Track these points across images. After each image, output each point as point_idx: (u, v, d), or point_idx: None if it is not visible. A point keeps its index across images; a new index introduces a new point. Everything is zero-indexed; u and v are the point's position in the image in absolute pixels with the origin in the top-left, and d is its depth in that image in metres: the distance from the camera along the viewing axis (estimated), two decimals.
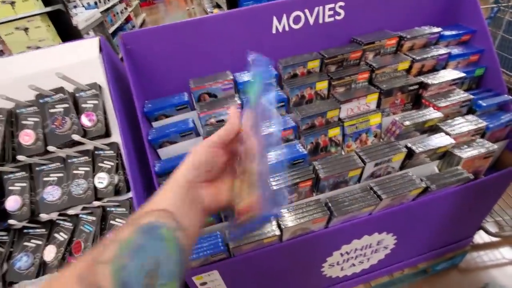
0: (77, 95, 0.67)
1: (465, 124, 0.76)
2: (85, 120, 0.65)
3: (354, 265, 0.91)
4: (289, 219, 0.66)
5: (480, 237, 1.23)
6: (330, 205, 0.68)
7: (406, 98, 0.81)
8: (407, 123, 0.73)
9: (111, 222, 0.67)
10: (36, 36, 2.21)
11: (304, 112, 0.74)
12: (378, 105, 0.80)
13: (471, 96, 0.79)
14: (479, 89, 0.89)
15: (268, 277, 0.81)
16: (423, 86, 0.79)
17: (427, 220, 0.84)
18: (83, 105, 0.67)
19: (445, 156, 0.77)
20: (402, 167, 0.76)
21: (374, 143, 0.79)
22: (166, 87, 0.80)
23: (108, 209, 0.69)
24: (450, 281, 1.12)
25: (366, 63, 0.81)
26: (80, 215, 0.69)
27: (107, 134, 0.68)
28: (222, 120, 0.75)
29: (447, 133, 0.74)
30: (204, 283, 0.72)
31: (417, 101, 0.83)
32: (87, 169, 0.68)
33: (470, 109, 0.82)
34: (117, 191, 0.68)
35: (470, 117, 0.79)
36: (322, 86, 0.78)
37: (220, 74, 0.78)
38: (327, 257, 0.82)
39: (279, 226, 0.66)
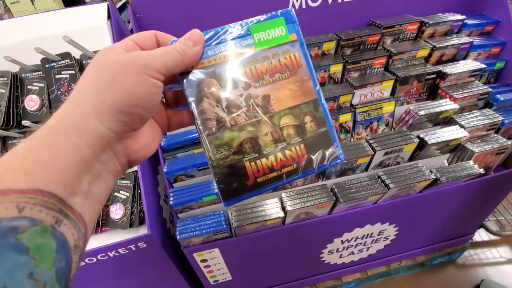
0: (84, 62, 0.65)
1: (480, 118, 0.74)
2: None
3: (353, 253, 0.91)
4: (294, 203, 0.66)
5: (479, 235, 1.23)
6: (336, 190, 0.67)
7: (422, 87, 0.78)
8: (422, 112, 0.70)
9: (115, 194, 0.66)
10: (43, 5, 2.15)
11: None
12: (393, 92, 0.78)
13: (490, 89, 0.76)
14: (498, 83, 0.86)
15: (267, 259, 0.82)
16: (441, 75, 0.77)
17: (432, 214, 0.84)
18: None
19: (456, 149, 0.76)
20: (411, 158, 0.74)
21: (385, 132, 0.77)
22: None
23: None
24: (446, 276, 1.13)
25: (383, 48, 0.78)
26: None
27: None
28: None
29: (461, 126, 0.72)
30: (204, 260, 0.72)
31: (432, 92, 0.81)
32: None
33: (487, 102, 0.79)
34: None
35: (486, 111, 0.76)
36: (336, 69, 0.75)
37: None
38: (328, 243, 0.82)
39: (283, 208, 0.66)
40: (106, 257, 0.61)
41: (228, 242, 0.68)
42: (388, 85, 0.76)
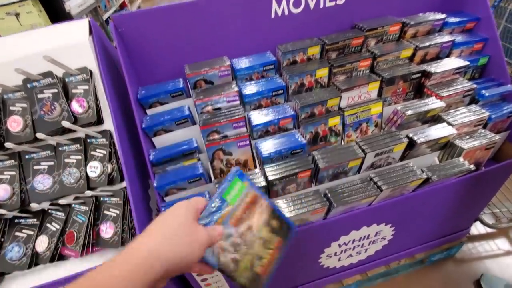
0: (66, 80, 0.64)
1: (467, 114, 0.75)
2: (75, 106, 0.63)
3: (351, 255, 0.90)
4: (288, 210, 0.65)
5: (476, 228, 1.24)
6: (329, 195, 0.67)
7: (408, 87, 0.79)
8: (409, 112, 0.71)
9: (105, 212, 0.65)
10: (28, 21, 2.13)
11: (303, 100, 0.72)
12: (380, 93, 0.78)
13: (474, 86, 0.77)
14: (482, 78, 0.87)
15: None
16: (426, 74, 0.77)
17: (426, 212, 0.84)
18: (73, 91, 0.64)
19: (446, 146, 0.76)
20: (402, 157, 0.75)
21: (374, 133, 0.78)
22: (160, 73, 0.77)
23: (101, 199, 0.67)
24: (446, 272, 1.13)
25: (368, 50, 0.78)
26: (73, 205, 0.67)
27: (99, 121, 0.66)
28: (219, 108, 0.73)
29: (449, 123, 0.73)
30: (204, 279, 0.71)
31: (419, 90, 0.81)
32: (79, 157, 0.66)
33: (473, 98, 0.80)
34: (110, 181, 0.66)
35: (472, 107, 0.77)
36: (322, 73, 0.75)
37: (217, 60, 0.75)
38: (325, 248, 0.81)
39: None
40: None
41: None
42: (374, 87, 0.76)
